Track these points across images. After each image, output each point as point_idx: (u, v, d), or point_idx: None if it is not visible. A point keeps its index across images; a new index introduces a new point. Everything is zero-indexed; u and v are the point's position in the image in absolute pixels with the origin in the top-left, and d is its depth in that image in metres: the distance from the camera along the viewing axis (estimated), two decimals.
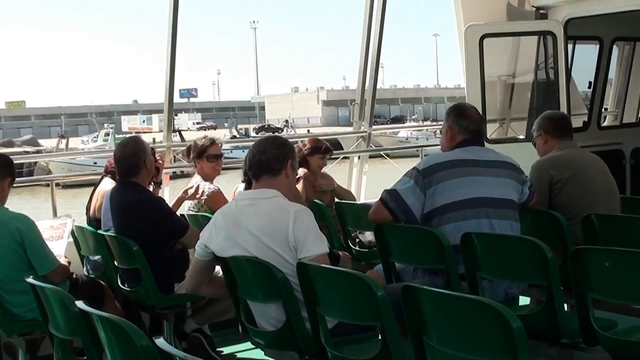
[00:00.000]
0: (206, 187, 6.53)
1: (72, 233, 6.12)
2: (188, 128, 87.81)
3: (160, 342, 2.73)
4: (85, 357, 3.75)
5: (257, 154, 4.31)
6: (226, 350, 6.30)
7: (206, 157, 6.68)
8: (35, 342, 5.39)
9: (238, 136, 66.71)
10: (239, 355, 6.24)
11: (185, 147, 7.14)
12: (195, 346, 5.67)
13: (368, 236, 6.64)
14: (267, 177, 4.29)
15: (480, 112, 5.42)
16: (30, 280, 4.17)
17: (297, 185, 6.49)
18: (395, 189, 4.80)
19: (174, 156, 8.54)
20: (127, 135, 6.66)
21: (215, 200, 6.39)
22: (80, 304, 3.49)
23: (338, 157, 10.30)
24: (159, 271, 5.44)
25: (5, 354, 5.92)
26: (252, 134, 74.23)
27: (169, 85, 8.11)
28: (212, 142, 6.78)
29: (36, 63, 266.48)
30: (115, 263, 5.68)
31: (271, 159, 4.30)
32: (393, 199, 4.77)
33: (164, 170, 6.66)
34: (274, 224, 4.14)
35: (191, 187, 6.46)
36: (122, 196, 5.58)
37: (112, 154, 6.22)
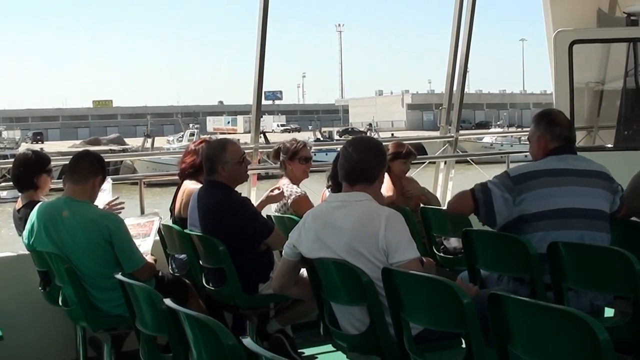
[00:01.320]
0: (293, 189, 6.57)
1: (159, 231, 6.21)
2: (272, 130, 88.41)
3: (247, 341, 2.76)
4: (170, 354, 3.81)
5: (358, 161, 4.25)
6: (307, 352, 6.32)
7: (298, 159, 6.72)
8: (120, 337, 5.48)
9: (322, 139, 66.85)
10: (320, 357, 6.26)
11: (272, 149, 7.17)
12: (278, 347, 5.69)
13: (453, 242, 6.59)
14: (362, 185, 4.26)
15: None
16: (118, 277, 4.24)
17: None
18: (490, 190, 4.73)
19: (261, 158, 8.59)
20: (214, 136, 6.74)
21: (301, 204, 6.44)
22: (167, 301, 3.54)
23: (424, 162, 10.26)
24: (243, 271, 5.47)
25: (90, 349, 6.05)
26: (336, 137, 74.42)
27: (257, 87, 8.17)
28: (304, 144, 6.83)
29: (124, 63, 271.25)
30: (201, 262, 5.73)
31: (370, 168, 4.28)
32: (484, 196, 4.72)
33: (252, 171, 6.70)
34: (364, 227, 4.12)
35: (277, 188, 6.51)
36: (208, 197, 5.63)
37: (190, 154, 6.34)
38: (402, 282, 3.93)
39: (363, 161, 4.26)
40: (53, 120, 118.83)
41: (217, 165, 5.58)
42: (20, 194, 6.18)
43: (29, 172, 6.08)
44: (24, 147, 60.85)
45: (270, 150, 7.49)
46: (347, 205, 4.23)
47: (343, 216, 4.20)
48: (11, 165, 8.09)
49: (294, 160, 6.72)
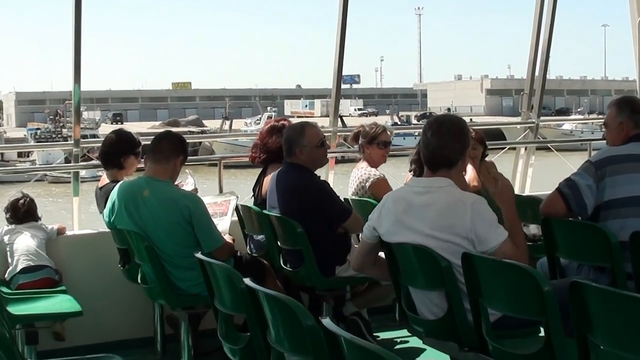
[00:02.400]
0: (371, 172, 6.55)
1: (237, 211, 6.26)
2: (349, 114, 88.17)
3: (326, 322, 2.76)
4: (248, 333, 3.84)
5: (437, 148, 4.14)
6: (383, 336, 6.31)
7: (376, 143, 6.69)
8: (198, 316, 5.55)
9: (399, 123, 66.53)
10: (395, 341, 6.24)
11: (350, 133, 7.14)
12: (353, 329, 5.69)
13: (532, 229, 6.48)
14: (444, 170, 4.18)
15: None
16: (198, 255, 4.28)
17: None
18: (574, 182, 4.66)
19: (339, 141, 8.57)
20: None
21: (380, 187, 6.40)
22: (247, 281, 3.56)
23: (504, 148, 10.13)
24: (321, 253, 5.48)
25: (167, 326, 6.14)
26: (414, 121, 73.98)
27: (337, 71, 8.13)
28: (384, 129, 6.79)
29: (203, 45, 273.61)
30: (279, 243, 5.76)
31: (451, 154, 4.17)
32: (572, 191, 4.64)
33: (330, 155, 6.69)
34: (447, 215, 4.05)
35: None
36: (287, 179, 5.65)
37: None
38: (482, 268, 3.88)
39: (442, 147, 4.14)
40: (132, 101, 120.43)
41: (295, 148, 5.59)
42: (105, 171, 6.30)
43: (117, 151, 6.20)
44: (103, 128, 61.94)
45: (349, 133, 7.47)
46: (429, 192, 4.16)
47: (425, 202, 4.13)
48: (93, 145, 8.25)
49: (373, 144, 6.69)
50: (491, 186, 4.38)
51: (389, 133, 6.85)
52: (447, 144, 4.16)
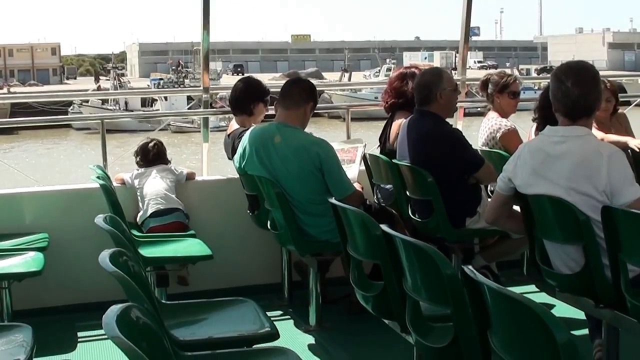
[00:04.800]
0: (502, 123, 6.39)
1: (364, 160, 6.21)
2: (469, 66, 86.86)
3: (469, 270, 2.69)
4: (381, 282, 3.79)
5: (580, 96, 3.98)
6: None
7: (507, 93, 6.51)
8: (326, 263, 5.53)
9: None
10: None
11: (479, 82, 6.96)
12: None
13: None
14: (585, 119, 4.04)
15: None
16: (332, 201, 4.25)
17: None
18: None
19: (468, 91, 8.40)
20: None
21: (511, 139, 6.25)
22: (384, 227, 3.51)
23: (632, 103, 9.76)
24: (451, 204, 5.39)
25: (295, 273, 6.17)
26: (534, 74, 72.45)
27: (465, 20, 7.93)
28: (515, 79, 6.60)
29: None
30: (408, 193, 5.69)
31: (592, 102, 4.03)
32: None
33: (459, 104, 6.54)
34: (585, 165, 3.91)
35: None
36: (419, 127, 5.55)
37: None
38: (622, 222, 3.72)
39: (585, 96, 4.00)
40: (253, 53, 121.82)
41: (435, 91, 5.48)
42: (234, 117, 6.33)
43: (246, 98, 6.23)
44: (225, 79, 62.75)
45: (476, 83, 7.30)
46: (568, 141, 4.02)
47: (563, 152, 4.00)
48: (220, 92, 8.32)
49: (503, 93, 6.51)
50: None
51: (518, 83, 6.65)
52: (590, 92, 4.03)
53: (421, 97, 5.54)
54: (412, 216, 5.70)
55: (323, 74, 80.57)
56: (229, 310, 4.04)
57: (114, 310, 2.33)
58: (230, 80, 68.89)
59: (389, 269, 3.58)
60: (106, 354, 5.26)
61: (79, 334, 5.69)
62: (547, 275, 4.27)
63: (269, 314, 3.91)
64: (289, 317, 5.87)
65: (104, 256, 3.00)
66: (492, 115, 6.53)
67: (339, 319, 5.69)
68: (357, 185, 5.55)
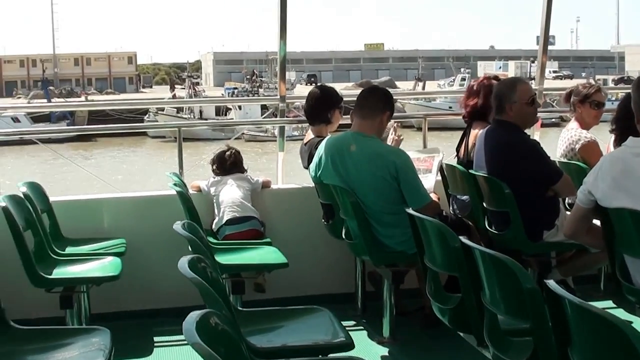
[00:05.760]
0: (582, 134, 6.29)
1: (441, 170, 6.16)
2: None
3: (552, 284, 2.64)
4: (458, 294, 3.76)
5: None
6: None
7: (589, 103, 6.41)
8: (400, 274, 5.50)
9: None
10: None
11: (558, 94, 6.87)
12: None
13: None
14: None
15: None
16: (409, 211, 4.22)
17: None
18: None
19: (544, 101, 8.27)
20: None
21: (590, 151, 6.15)
22: (463, 238, 3.47)
23: None
24: (528, 216, 5.30)
25: (369, 283, 6.14)
26: (611, 85, 71.31)
27: (545, 30, 7.81)
28: (598, 89, 6.49)
29: (394, 7, 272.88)
30: (484, 204, 5.62)
31: None
32: None
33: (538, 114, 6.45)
34: None
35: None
36: (495, 137, 5.49)
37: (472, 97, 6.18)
38: None
39: None
40: (326, 62, 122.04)
41: (505, 104, 5.42)
42: (310, 127, 6.34)
43: (323, 105, 6.22)
44: (298, 89, 63.02)
45: (553, 94, 7.22)
46: None
47: None
48: (295, 101, 8.34)
49: (585, 103, 6.41)
50: None
51: (603, 94, 6.53)
52: None
53: (495, 107, 5.49)
54: (488, 228, 5.63)
55: (396, 83, 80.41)
56: (304, 318, 4.05)
57: (193, 316, 2.34)
58: (303, 90, 69.25)
59: (467, 282, 3.54)
60: None
61: (155, 339, 5.76)
62: (627, 290, 4.17)
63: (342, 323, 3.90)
64: (362, 327, 5.85)
65: (183, 262, 3.03)
66: (572, 126, 6.43)
67: (412, 332, 5.65)
68: (433, 196, 5.51)
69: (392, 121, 5.83)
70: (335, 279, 6.45)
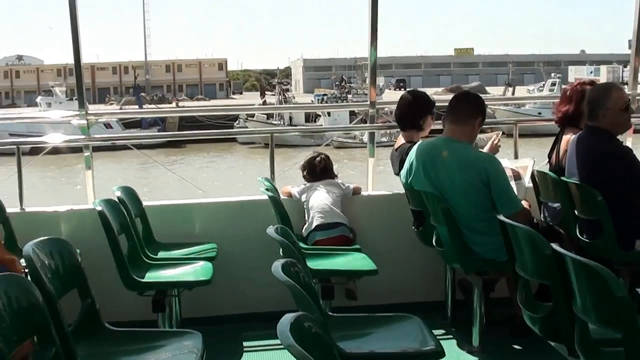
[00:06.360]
0: None
1: (532, 177, 6.09)
2: None
3: None
4: (549, 303, 3.72)
5: None
6: None
7: None
8: (491, 282, 5.47)
9: None
10: None
11: None
12: None
13: None
14: None
15: None
16: (501, 217, 4.19)
17: None
18: None
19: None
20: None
21: None
22: (555, 246, 3.44)
23: None
24: (621, 225, 5.20)
25: (459, 291, 6.11)
26: None
27: (637, 33, 7.66)
28: None
29: (484, 10, 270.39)
30: (576, 212, 5.54)
31: None
32: None
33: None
34: None
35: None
36: (587, 143, 5.40)
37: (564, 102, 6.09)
38: None
39: None
40: (415, 67, 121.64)
41: (598, 110, 5.33)
42: (401, 132, 6.33)
43: (414, 111, 6.20)
44: (387, 94, 62.91)
45: None
46: None
47: None
48: (386, 107, 8.34)
49: None
50: None
51: None
52: None
53: (588, 113, 5.40)
54: (579, 236, 5.54)
55: (487, 88, 79.60)
56: (394, 325, 4.05)
57: (287, 318, 2.37)
58: (392, 95, 69.01)
59: (559, 290, 3.50)
60: None
61: (245, 343, 5.82)
62: None
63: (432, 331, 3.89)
64: (451, 336, 5.83)
65: (277, 266, 3.08)
66: None
67: (502, 341, 5.60)
68: (524, 203, 5.46)
69: (496, 132, 5.82)
70: (424, 287, 6.44)
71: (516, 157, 6.84)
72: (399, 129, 6.42)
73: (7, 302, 3.14)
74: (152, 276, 5.29)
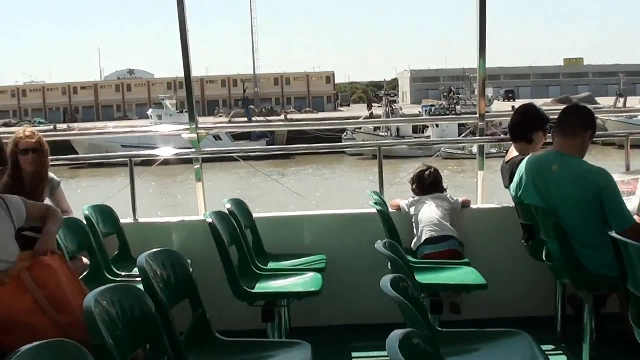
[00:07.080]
0: None
1: None
2: None
3: None
4: None
5: None
6: None
7: None
8: (602, 298, 5.35)
9: None
10: None
11: None
12: None
13: None
14: None
15: None
16: (612, 234, 4.11)
17: None
18: None
19: None
20: None
21: None
22: None
23: None
24: None
25: (569, 306, 6.01)
26: None
27: None
28: None
29: (595, 19, 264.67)
30: None
31: None
32: None
33: None
34: None
35: None
36: None
37: None
38: None
39: None
40: (524, 78, 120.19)
41: None
42: (513, 144, 6.27)
43: (526, 125, 6.14)
44: (496, 105, 62.17)
45: None
46: None
47: None
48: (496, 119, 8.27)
49: None
50: None
51: None
52: None
53: None
54: None
55: (597, 99, 78.01)
56: (503, 342, 4.01)
57: (396, 334, 2.39)
58: (500, 106, 68.23)
59: None
60: None
61: (353, 354, 5.85)
62: None
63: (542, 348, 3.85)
64: (561, 352, 5.73)
65: (385, 281, 3.09)
66: None
67: (613, 358, 5.49)
68: (637, 219, 5.34)
69: None
70: (534, 302, 6.35)
71: (628, 169, 6.69)
72: (508, 142, 6.37)
73: (122, 312, 3.24)
74: (262, 287, 5.37)
